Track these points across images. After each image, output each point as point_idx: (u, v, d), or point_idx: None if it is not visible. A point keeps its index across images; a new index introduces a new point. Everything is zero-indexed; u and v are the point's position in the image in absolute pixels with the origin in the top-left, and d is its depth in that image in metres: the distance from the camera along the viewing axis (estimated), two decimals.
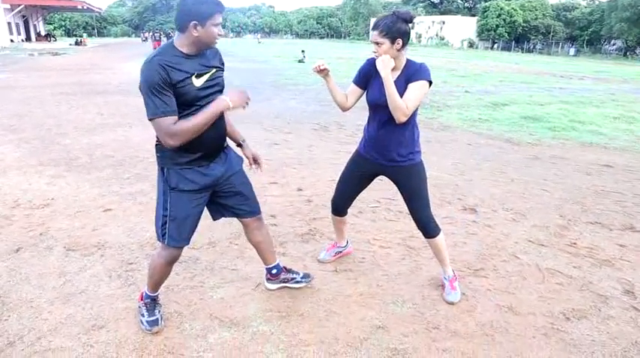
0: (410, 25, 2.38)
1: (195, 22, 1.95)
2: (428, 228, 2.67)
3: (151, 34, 30.40)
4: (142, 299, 2.47)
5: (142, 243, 3.40)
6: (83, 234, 3.55)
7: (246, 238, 2.61)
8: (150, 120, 1.99)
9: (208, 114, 2.03)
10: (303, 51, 24.80)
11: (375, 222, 3.87)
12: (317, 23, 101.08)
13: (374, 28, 2.40)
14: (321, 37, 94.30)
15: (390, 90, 2.34)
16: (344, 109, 2.67)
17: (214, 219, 2.50)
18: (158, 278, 2.38)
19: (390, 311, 2.61)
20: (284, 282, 2.75)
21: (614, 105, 11.31)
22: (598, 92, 14.16)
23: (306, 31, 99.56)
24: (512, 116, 9.24)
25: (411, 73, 2.42)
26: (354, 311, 2.61)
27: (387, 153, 2.58)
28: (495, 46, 62.33)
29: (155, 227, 2.25)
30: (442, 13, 75.76)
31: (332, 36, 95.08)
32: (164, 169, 2.17)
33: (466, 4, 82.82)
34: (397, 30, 2.33)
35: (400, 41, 2.35)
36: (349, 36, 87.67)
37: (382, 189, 4.63)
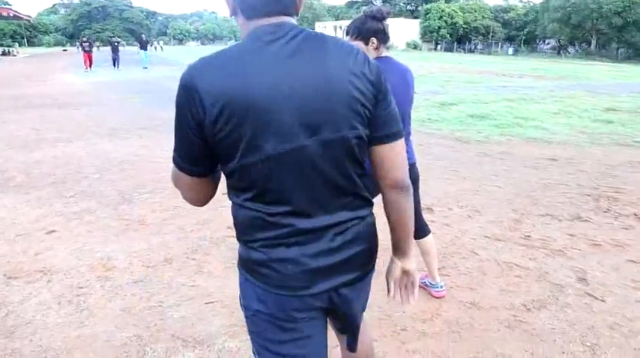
0: (383, 22, 2.30)
1: None
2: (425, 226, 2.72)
3: (80, 43, 26.06)
4: None
5: (93, 265, 3.21)
6: (25, 259, 3.30)
7: None
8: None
9: None
10: None
11: None
12: None
13: (346, 34, 2.35)
14: None
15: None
16: None
17: None
18: None
19: None
20: None
21: (552, 101, 11.89)
22: (537, 89, 14.86)
23: None
24: (459, 115, 9.52)
25: None
26: None
27: None
28: (438, 47, 64.38)
29: None
30: None
31: None
32: None
33: (408, 7, 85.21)
34: (368, 29, 2.27)
35: (374, 40, 2.28)
36: None
37: None
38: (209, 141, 1.06)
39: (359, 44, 2.30)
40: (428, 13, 65.22)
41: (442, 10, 63.21)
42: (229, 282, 2.94)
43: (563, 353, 2.30)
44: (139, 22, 79.57)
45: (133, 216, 4.07)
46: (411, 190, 1.24)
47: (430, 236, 2.74)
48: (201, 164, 1.12)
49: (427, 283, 2.86)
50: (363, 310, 1.42)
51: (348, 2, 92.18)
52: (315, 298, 1.18)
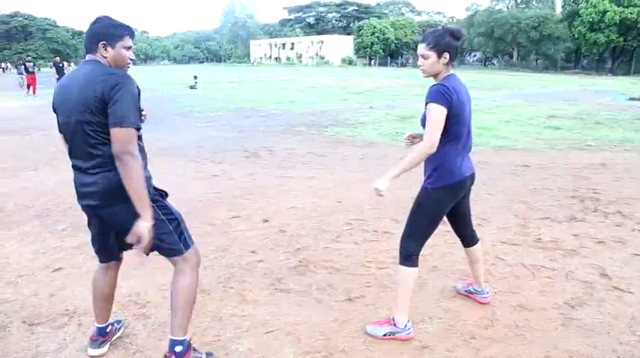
0: (458, 42, 2.38)
1: (104, 42, 2.06)
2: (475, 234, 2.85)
3: (23, 63, 22.23)
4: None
5: (122, 302, 3.02)
6: (40, 302, 3.05)
7: (105, 280, 2.49)
8: (126, 127, 1.94)
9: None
10: (195, 76, 24.11)
11: (359, 245, 3.88)
12: (195, 47, 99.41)
13: (422, 41, 2.38)
14: (201, 62, 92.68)
15: (404, 164, 2.44)
16: None
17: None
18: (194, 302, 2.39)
19: (424, 330, 2.63)
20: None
21: (500, 110, 12.67)
22: (482, 100, 15.73)
23: (184, 56, 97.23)
24: None
25: None
26: None
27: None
28: (372, 62, 66.47)
29: (171, 249, 2.28)
30: (319, 33, 79.03)
31: (211, 60, 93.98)
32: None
33: (340, 24, 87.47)
34: (445, 44, 2.32)
35: (447, 55, 2.32)
36: (229, 59, 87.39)
37: (347, 211, 4.68)
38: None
39: (431, 54, 2.34)
40: (360, 30, 67.30)
41: (374, 27, 65.49)
42: (281, 309, 2.89)
43: (621, 343, 2.48)
44: (64, 42, 75.08)
45: None
46: (129, 162, 1.93)
47: (479, 244, 2.85)
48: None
49: (472, 290, 2.96)
50: (126, 230, 2.03)
51: (281, 20, 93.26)
52: (85, 208, 2.21)
